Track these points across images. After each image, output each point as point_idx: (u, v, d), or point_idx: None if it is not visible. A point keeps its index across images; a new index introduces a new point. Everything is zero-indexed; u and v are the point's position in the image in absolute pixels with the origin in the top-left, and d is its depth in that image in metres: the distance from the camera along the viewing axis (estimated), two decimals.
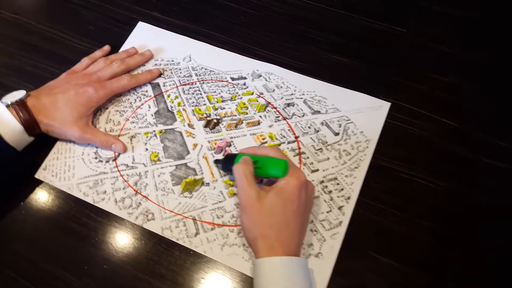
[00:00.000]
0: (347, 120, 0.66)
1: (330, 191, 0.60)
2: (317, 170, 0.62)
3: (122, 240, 0.58)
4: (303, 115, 0.67)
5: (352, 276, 0.55)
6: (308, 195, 0.54)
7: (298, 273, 0.50)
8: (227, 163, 0.59)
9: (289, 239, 0.51)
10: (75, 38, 0.76)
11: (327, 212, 0.59)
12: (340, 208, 0.59)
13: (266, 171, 0.54)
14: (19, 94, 0.61)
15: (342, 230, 0.58)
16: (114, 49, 0.74)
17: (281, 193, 0.52)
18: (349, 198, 0.60)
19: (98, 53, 0.72)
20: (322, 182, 0.61)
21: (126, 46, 0.75)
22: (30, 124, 0.60)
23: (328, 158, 0.63)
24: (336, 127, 0.65)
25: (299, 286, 0.49)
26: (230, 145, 0.64)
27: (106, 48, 0.73)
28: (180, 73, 0.71)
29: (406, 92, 0.68)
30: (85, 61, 0.70)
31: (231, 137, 0.65)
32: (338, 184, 0.61)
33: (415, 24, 0.75)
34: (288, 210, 0.51)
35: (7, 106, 0.59)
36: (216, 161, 0.62)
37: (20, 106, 0.59)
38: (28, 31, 0.77)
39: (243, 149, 0.58)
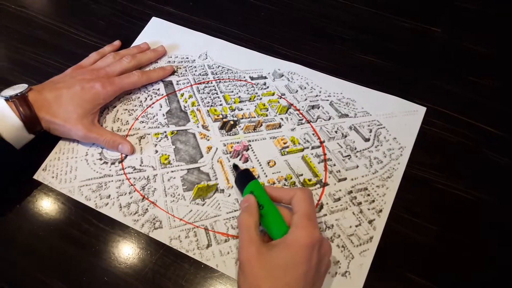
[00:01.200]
0: (379, 125, 0.63)
1: (360, 203, 0.57)
2: (345, 179, 0.59)
3: (125, 250, 0.55)
4: (329, 119, 0.64)
5: None
6: (321, 257, 0.46)
7: None
8: (240, 182, 0.55)
9: None
10: (83, 33, 0.74)
11: (356, 226, 0.55)
12: (370, 222, 0.55)
13: (265, 225, 0.49)
14: (20, 88, 0.58)
15: (372, 247, 0.54)
16: (125, 45, 0.72)
17: (285, 251, 0.45)
18: (380, 211, 0.56)
19: (107, 48, 0.70)
20: (350, 192, 0.58)
21: (138, 42, 0.73)
22: (30, 120, 0.57)
23: (357, 166, 0.59)
24: (366, 132, 0.62)
25: None
26: (247, 149, 0.61)
27: (116, 43, 0.71)
28: (195, 71, 0.69)
29: (443, 96, 0.65)
30: (93, 56, 0.68)
31: (249, 141, 0.62)
32: (368, 195, 0.57)
33: (449, 23, 0.72)
34: (290, 273, 0.43)
35: (6, 99, 0.56)
36: (234, 166, 0.58)
37: (20, 101, 0.57)
38: (34, 24, 0.75)
39: (267, 187, 0.52)
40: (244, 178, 0.54)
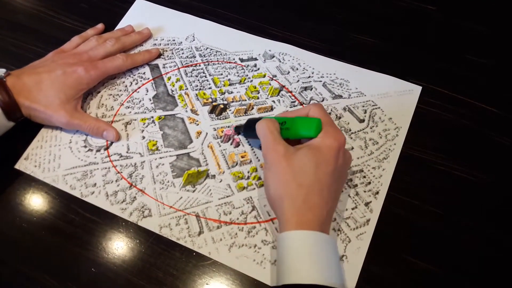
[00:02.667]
0: (374, 105, 0.62)
1: (356, 185, 0.56)
2: None
3: (113, 240, 0.54)
4: (323, 100, 0.63)
5: (382, 282, 0.51)
6: (345, 162, 0.50)
7: (329, 252, 0.45)
8: (249, 128, 0.56)
9: (320, 204, 0.46)
10: (64, 17, 0.72)
11: (352, 209, 0.55)
12: (367, 204, 0.55)
13: (295, 131, 0.50)
14: None
15: (369, 230, 0.53)
16: (109, 28, 0.70)
17: (315, 152, 0.48)
18: (377, 193, 0.55)
19: (90, 31, 0.68)
20: None
21: (122, 25, 0.71)
22: (9, 106, 0.55)
23: (353, 148, 0.59)
24: (361, 113, 0.61)
25: (329, 265, 0.44)
26: (239, 133, 0.60)
27: (100, 26, 0.70)
28: (182, 53, 0.68)
29: (439, 74, 0.64)
30: (75, 40, 0.66)
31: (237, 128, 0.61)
32: (364, 177, 0.56)
33: (445, 1, 0.71)
34: (321, 171, 0.47)
35: None
36: (237, 128, 0.59)
37: None
38: (12, 8, 0.73)
39: (278, 114, 0.56)
40: (253, 122, 0.54)
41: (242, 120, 0.61)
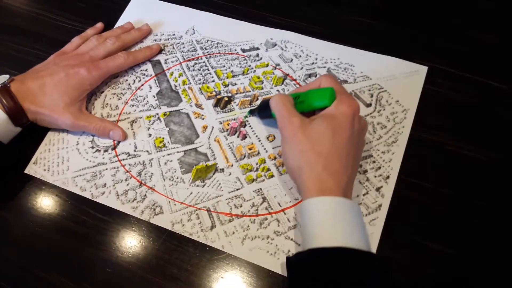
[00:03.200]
0: (380, 89, 0.61)
1: (366, 171, 0.56)
2: None
3: (126, 239, 0.54)
4: None
5: (396, 266, 0.50)
6: (361, 128, 0.50)
7: (353, 216, 0.46)
8: (264, 108, 0.56)
9: (340, 171, 0.47)
10: (63, 18, 0.72)
11: (364, 195, 0.54)
12: (378, 189, 0.55)
13: (309, 103, 0.51)
14: (1, 79, 0.57)
15: (382, 215, 0.53)
16: (108, 26, 0.70)
17: (330, 120, 0.48)
18: (388, 177, 0.55)
19: (90, 31, 0.69)
20: None
21: (121, 22, 0.71)
22: (15, 112, 0.56)
23: None
24: (368, 97, 0.61)
25: (353, 229, 0.45)
26: (245, 125, 0.60)
27: (99, 25, 0.70)
28: (183, 47, 0.68)
29: (445, 53, 0.64)
30: (75, 41, 0.66)
31: (246, 116, 0.61)
32: (374, 162, 0.56)
33: None
34: (338, 137, 0.48)
35: None
36: (251, 111, 0.60)
37: (2, 92, 0.56)
38: (10, 13, 0.74)
39: (291, 90, 0.57)
40: (267, 103, 0.54)
41: (246, 111, 0.61)
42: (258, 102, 0.62)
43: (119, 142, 0.60)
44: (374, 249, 0.51)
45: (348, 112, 0.48)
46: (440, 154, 0.57)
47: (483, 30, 0.65)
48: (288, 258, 0.47)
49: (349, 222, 0.45)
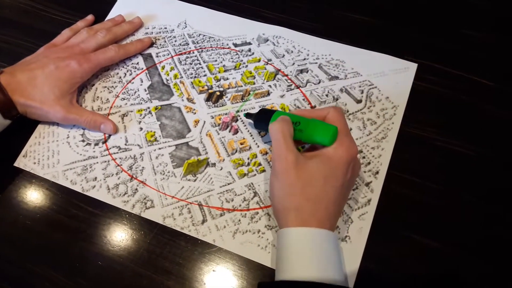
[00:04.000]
0: (370, 85, 0.62)
1: None
2: None
3: (118, 232, 0.54)
4: (319, 82, 0.63)
5: (386, 261, 0.52)
6: (354, 174, 0.49)
7: (334, 248, 0.46)
8: (260, 119, 0.55)
9: (325, 217, 0.47)
10: (53, 9, 0.72)
11: (353, 190, 0.55)
12: (367, 184, 0.55)
13: (308, 136, 0.49)
14: None
15: (371, 210, 0.54)
16: (99, 19, 0.70)
17: (326, 163, 0.47)
18: (377, 172, 0.56)
19: (80, 23, 0.68)
20: None
21: (112, 15, 0.71)
22: (4, 105, 0.56)
23: (351, 129, 0.59)
24: (358, 94, 0.62)
25: (331, 262, 0.45)
26: (237, 120, 0.61)
27: (90, 18, 0.70)
28: (175, 41, 0.68)
29: (435, 50, 0.64)
30: (66, 33, 0.66)
31: (238, 111, 0.61)
32: (364, 157, 0.57)
33: None
34: (329, 184, 0.47)
35: None
36: (248, 115, 0.58)
37: None
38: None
39: (295, 111, 0.54)
40: (266, 113, 0.53)
41: (238, 106, 0.61)
42: (251, 98, 0.62)
43: (110, 136, 0.60)
44: (363, 244, 0.52)
45: (346, 158, 0.47)
46: (429, 149, 0.57)
47: (474, 28, 0.66)
48: (259, 284, 0.47)
49: (325, 254, 0.45)
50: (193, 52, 0.66)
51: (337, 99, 0.61)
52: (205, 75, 0.64)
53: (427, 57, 0.63)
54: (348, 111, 0.60)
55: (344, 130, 0.49)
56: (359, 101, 0.61)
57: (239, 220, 0.54)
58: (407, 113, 0.60)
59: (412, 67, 0.63)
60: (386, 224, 0.53)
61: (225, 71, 0.65)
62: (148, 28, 0.69)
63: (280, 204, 0.48)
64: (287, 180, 0.47)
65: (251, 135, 0.59)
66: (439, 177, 0.56)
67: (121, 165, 0.58)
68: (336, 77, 0.63)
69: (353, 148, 0.48)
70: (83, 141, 0.60)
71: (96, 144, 0.60)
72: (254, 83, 0.63)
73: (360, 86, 0.62)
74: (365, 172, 0.56)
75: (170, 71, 0.65)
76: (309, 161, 0.47)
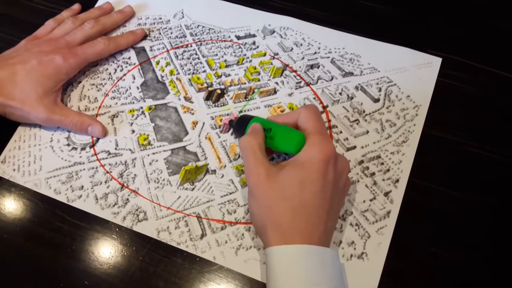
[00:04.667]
0: (389, 82, 0.62)
1: (373, 173, 0.56)
2: (354, 147, 0.58)
3: (107, 248, 0.54)
4: (332, 79, 0.62)
5: (407, 279, 0.51)
6: (338, 173, 0.48)
7: (321, 264, 0.44)
8: (239, 127, 0.55)
9: (309, 229, 0.45)
10: None
11: (371, 200, 0.55)
12: (386, 194, 0.55)
13: (275, 144, 0.50)
14: None
15: (391, 223, 0.53)
16: (86, 7, 0.70)
17: (299, 169, 0.46)
18: (397, 181, 0.55)
19: (65, 13, 0.68)
20: (361, 162, 0.57)
21: (101, 3, 0.70)
22: None
23: (368, 132, 0.59)
24: (376, 92, 0.61)
25: (324, 281, 0.44)
26: (231, 120, 0.60)
27: (76, 7, 0.69)
28: (171, 33, 0.67)
29: (461, 43, 0.64)
30: (49, 24, 0.66)
31: (240, 111, 0.61)
32: (382, 163, 0.56)
33: None
34: (306, 190, 0.45)
35: None
36: (231, 122, 0.59)
37: None
38: None
39: (270, 117, 0.53)
40: (245, 121, 0.53)
41: (241, 105, 0.61)
42: (255, 96, 0.62)
43: (98, 139, 0.60)
44: (382, 261, 0.51)
45: (318, 158, 0.46)
46: (456, 154, 0.57)
47: (503, 17, 0.65)
48: None
49: (312, 273, 0.44)
50: (191, 46, 0.66)
51: (352, 98, 0.61)
52: (204, 71, 0.64)
53: (453, 51, 0.63)
54: (364, 112, 0.60)
55: (317, 130, 0.48)
56: (376, 100, 0.60)
57: (243, 235, 0.53)
58: (430, 113, 0.59)
59: (436, 61, 0.62)
60: (408, 239, 0.52)
61: (226, 66, 0.64)
62: (141, 19, 0.69)
63: (259, 221, 0.47)
64: (261, 195, 0.47)
65: None
66: (465, 185, 0.55)
67: (111, 172, 0.58)
68: (351, 73, 0.62)
69: (328, 146, 0.47)
70: (68, 145, 0.60)
71: (83, 149, 0.59)
72: (259, 80, 0.63)
73: (377, 84, 0.61)
74: (383, 180, 0.55)
75: (166, 66, 0.65)
76: (281, 171, 0.47)
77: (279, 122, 0.51)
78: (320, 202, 0.46)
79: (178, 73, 0.64)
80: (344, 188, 0.50)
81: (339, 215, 0.51)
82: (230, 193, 0.56)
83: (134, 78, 0.64)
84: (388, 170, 0.56)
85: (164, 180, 0.57)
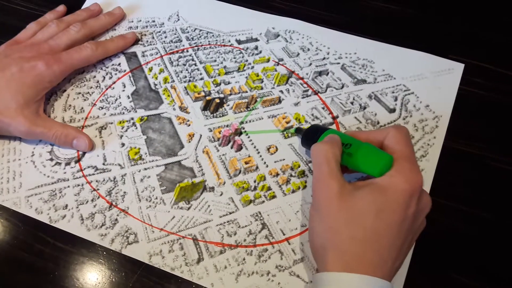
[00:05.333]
0: (406, 91, 0.62)
1: None
2: None
3: (93, 274, 0.54)
4: (342, 87, 0.63)
5: None
6: (420, 209, 0.46)
7: None
8: (309, 137, 0.54)
9: (377, 262, 0.44)
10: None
11: None
12: None
13: (355, 162, 0.48)
14: None
15: None
16: (72, 10, 0.70)
17: (378, 194, 0.45)
18: None
19: (49, 15, 0.69)
20: None
21: (88, 4, 0.71)
22: None
23: None
24: (391, 101, 0.61)
25: None
26: (240, 133, 0.61)
27: (60, 9, 0.70)
28: (165, 37, 0.68)
29: (485, 47, 0.64)
30: (31, 27, 0.67)
31: (241, 122, 0.61)
32: None
33: None
34: (382, 221, 0.44)
35: None
36: (298, 130, 0.58)
37: None
38: None
39: (348, 131, 0.53)
40: (315, 131, 0.53)
41: (242, 116, 0.61)
42: (258, 106, 0.62)
43: (84, 154, 0.60)
44: (401, 285, 0.51)
45: (404, 189, 0.44)
46: (480, 170, 0.57)
47: None
48: None
49: None
50: (187, 51, 0.67)
51: (364, 108, 0.61)
52: (201, 79, 0.64)
53: (477, 56, 0.63)
54: (378, 123, 0.60)
55: (406, 155, 0.47)
56: (392, 111, 0.61)
57: (244, 259, 0.53)
58: (452, 125, 0.59)
59: (458, 67, 0.63)
60: (428, 264, 0.52)
61: (226, 73, 0.65)
62: (132, 21, 0.69)
63: (319, 242, 0.46)
64: (328, 213, 0.45)
65: (258, 152, 0.59)
66: (492, 205, 0.55)
67: (98, 189, 0.58)
68: (364, 81, 0.63)
69: (416, 177, 0.45)
70: (51, 159, 0.60)
71: (68, 164, 0.60)
72: (261, 88, 0.63)
73: (393, 92, 0.62)
74: None
75: (159, 73, 0.65)
76: (357, 191, 0.45)
77: (362, 138, 0.50)
78: (395, 238, 0.45)
79: (173, 81, 0.64)
80: (419, 227, 0.48)
81: (406, 256, 0.50)
82: (230, 213, 0.56)
83: (125, 87, 0.64)
84: None
85: (156, 198, 0.57)
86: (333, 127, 0.60)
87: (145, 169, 0.59)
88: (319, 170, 0.47)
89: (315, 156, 0.48)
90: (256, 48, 0.66)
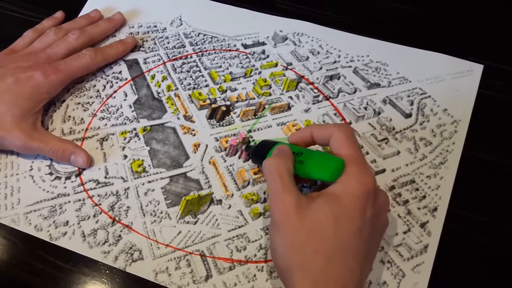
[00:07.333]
0: (422, 94, 0.62)
1: (406, 201, 0.56)
2: (383, 170, 0.58)
3: None
4: (355, 91, 0.63)
5: None
6: (377, 211, 0.47)
7: None
8: (259, 153, 0.54)
9: (344, 274, 0.44)
10: (12, 5, 0.74)
11: (405, 233, 0.55)
12: (423, 225, 0.55)
13: (306, 170, 0.48)
14: None
15: (429, 259, 0.53)
16: (70, 16, 0.71)
17: (334, 203, 0.45)
18: (435, 209, 0.55)
19: (47, 23, 0.69)
20: (392, 188, 0.57)
21: (87, 10, 0.72)
22: None
23: (399, 152, 0.59)
24: (407, 106, 0.61)
25: None
26: (249, 142, 0.60)
27: (59, 15, 0.71)
28: (168, 43, 0.69)
29: (505, 48, 0.64)
30: (28, 35, 0.67)
31: (249, 131, 0.61)
32: (417, 189, 0.57)
33: None
34: (342, 230, 0.44)
35: None
36: (247, 148, 0.59)
37: None
38: None
39: (293, 135, 0.53)
40: (266, 146, 0.53)
41: (250, 124, 0.61)
42: (266, 113, 0.62)
43: (84, 169, 0.61)
44: None
45: (357, 194, 0.45)
46: (504, 179, 0.57)
47: None
48: None
49: None
50: (191, 57, 0.67)
51: (379, 113, 0.61)
52: (207, 86, 0.65)
53: (496, 57, 0.63)
54: (394, 129, 0.60)
55: (352, 158, 0.47)
56: (408, 116, 0.61)
57: (255, 276, 0.53)
58: (471, 130, 0.59)
59: (477, 69, 0.63)
60: (449, 279, 0.52)
61: (232, 79, 0.65)
62: (133, 27, 0.70)
63: (284, 263, 0.46)
64: (288, 230, 0.45)
65: None
66: None
67: (100, 204, 0.58)
68: (377, 85, 0.63)
69: (367, 179, 0.46)
70: (51, 174, 0.60)
71: (68, 178, 0.60)
72: (270, 94, 0.63)
73: (409, 96, 0.62)
74: (419, 209, 0.55)
75: (162, 81, 0.66)
76: (313, 203, 0.46)
77: (306, 137, 0.51)
78: (358, 244, 0.45)
79: (177, 89, 0.65)
80: (382, 228, 0.50)
81: (374, 260, 0.50)
82: (239, 227, 0.56)
83: (126, 95, 0.65)
84: (424, 197, 0.56)
85: (162, 212, 0.57)
86: None
87: (149, 182, 0.59)
88: (273, 186, 0.47)
89: (267, 172, 0.48)
90: (263, 52, 0.66)
